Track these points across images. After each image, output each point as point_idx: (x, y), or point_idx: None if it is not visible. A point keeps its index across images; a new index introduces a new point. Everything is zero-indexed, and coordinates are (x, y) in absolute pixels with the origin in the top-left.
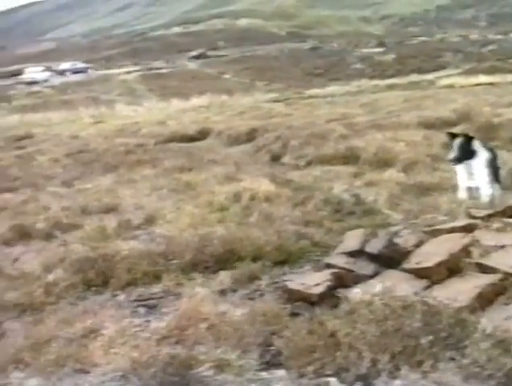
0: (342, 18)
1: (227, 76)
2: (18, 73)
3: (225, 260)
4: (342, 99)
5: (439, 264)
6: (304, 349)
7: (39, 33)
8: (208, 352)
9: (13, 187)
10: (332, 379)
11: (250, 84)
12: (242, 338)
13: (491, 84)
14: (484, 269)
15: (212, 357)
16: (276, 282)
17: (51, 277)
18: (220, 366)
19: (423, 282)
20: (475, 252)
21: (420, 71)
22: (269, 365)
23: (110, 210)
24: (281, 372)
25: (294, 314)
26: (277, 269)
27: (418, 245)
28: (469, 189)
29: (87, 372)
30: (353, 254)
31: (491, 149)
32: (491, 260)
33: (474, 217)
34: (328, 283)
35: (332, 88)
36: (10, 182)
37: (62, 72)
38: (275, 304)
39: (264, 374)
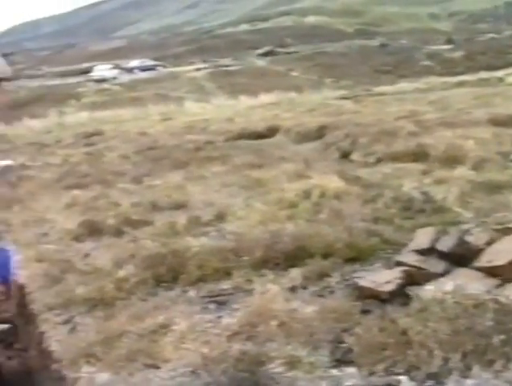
0: (410, 15)
1: (295, 73)
2: (88, 71)
3: (295, 257)
4: (411, 96)
5: (511, 263)
6: (375, 346)
7: (109, 31)
8: (279, 349)
9: (83, 184)
10: (403, 378)
11: (319, 81)
12: (313, 335)
13: None
14: None
15: (283, 354)
16: (346, 279)
17: (121, 273)
18: (291, 363)
19: (495, 281)
20: None
21: (489, 68)
22: (339, 362)
23: (180, 206)
24: (351, 370)
25: (364, 312)
26: (347, 267)
27: (489, 243)
28: None
29: (157, 368)
30: (423, 252)
31: None
32: None
33: None
34: (399, 281)
35: (401, 85)
36: (79, 178)
37: (131, 70)
38: (346, 301)
39: (335, 371)
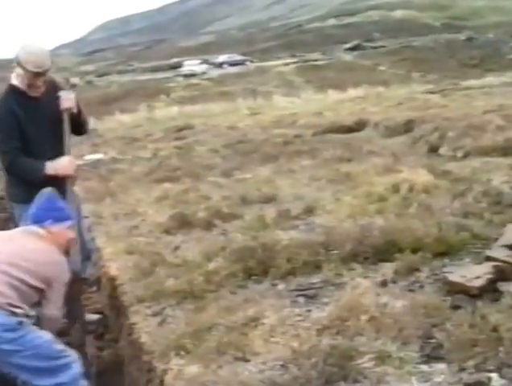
0: (497, 8)
1: (382, 68)
2: (177, 66)
3: (384, 251)
4: (498, 90)
5: None
6: (466, 343)
7: (197, 27)
8: (369, 344)
9: (173, 177)
10: (494, 375)
11: (406, 75)
12: (402, 330)
13: None
14: None
15: (373, 349)
16: (436, 274)
17: (211, 266)
18: (381, 358)
19: None
20: None
21: None
22: (429, 358)
23: (269, 200)
24: (441, 366)
25: (454, 307)
26: (437, 261)
27: None
28: None
29: (247, 361)
30: None
31: None
32: None
33: None
34: (489, 276)
35: (488, 79)
36: (170, 172)
37: (219, 65)
38: (436, 296)
39: (424, 367)
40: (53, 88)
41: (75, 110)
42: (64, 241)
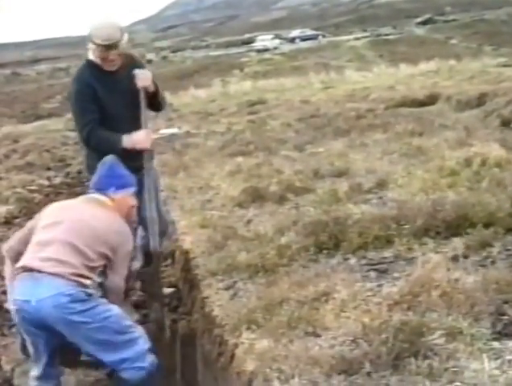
0: None
1: (454, 41)
2: (250, 41)
3: (456, 225)
4: None
5: None
6: None
7: (270, 2)
8: (440, 320)
9: (246, 151)
10: None
11: (478, 48)
12: (474, 307)
13: None
14: None
15: (444, 325)
16: (508, 250)
17: (283, 240)
18: (452, 334)
19: None
20: None
21: None
22: (501, 335)
23: (342, 174)
24: None
25: None
26: (509, 236)
27: None
28: None
29: (317, 335)
30: None
31: None
32: None
33: None
34: None
35: None
36: (243, 146)
37: (292, 40)
38: (508, 272)
39: (495, 344)
40: (131, 64)
41: (151, 89)
42: (126, 209)
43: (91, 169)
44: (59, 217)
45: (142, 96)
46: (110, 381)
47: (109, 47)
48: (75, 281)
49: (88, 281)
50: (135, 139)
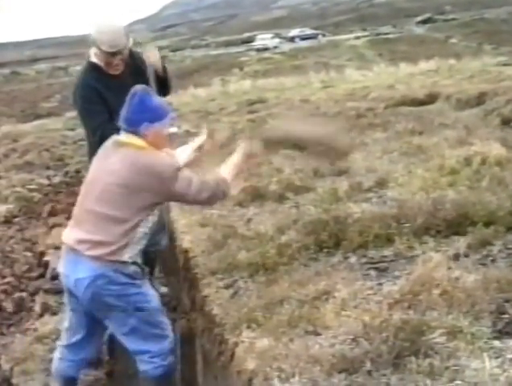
0: None
1: (454, 40)
2: (250, 40)
3: (457, 224)
4: None
5: None
6: None
7: (270, 1)
8: (440, 318)
9: None
10: None
11: (478, 47)
12: (474, 305)
13: None
14: None
15: (444, 323)
16: (509, 248)
17: (283, 239)
18: (452, 333)
19: None
20: None
21: None
22: (501, 333)
23: (342, 172)
24: None
25: None
26: (510, 235)
27: None
28: None
29: (318, 334)
30: None
31: None
32: None
33: None
34: None
35: None
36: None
37: (291, 39)
38: (508, 271)
39: (496, 342)
40: (133, 59)
41: (160, 65)
42: (163, 140)
43: None
44: (88, 178)
45: (151, 74)
46: (110, 381)
47: (114, 53)
48: (112, 261)
49: (126, 256)
50: None
